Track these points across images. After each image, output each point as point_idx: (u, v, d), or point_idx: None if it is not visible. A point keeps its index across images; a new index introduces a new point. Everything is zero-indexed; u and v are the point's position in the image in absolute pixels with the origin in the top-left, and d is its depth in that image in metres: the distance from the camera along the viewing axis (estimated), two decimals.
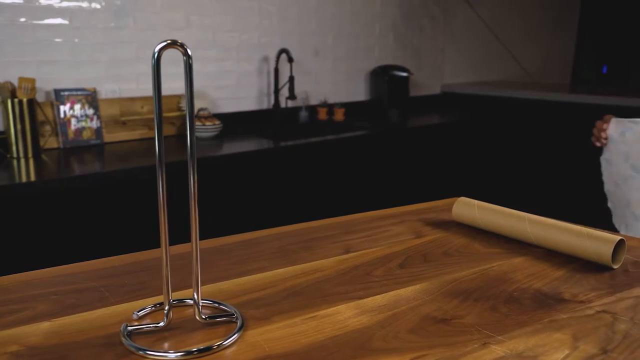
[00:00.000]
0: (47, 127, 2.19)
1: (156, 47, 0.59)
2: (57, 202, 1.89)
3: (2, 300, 0.72)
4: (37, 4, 2.18)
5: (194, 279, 0.65)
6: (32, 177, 2.01)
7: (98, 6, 2.31)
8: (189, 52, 0.60)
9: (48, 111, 2.19)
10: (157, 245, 1.17)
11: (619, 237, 0.84)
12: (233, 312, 0.68)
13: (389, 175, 2.78)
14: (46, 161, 2.11)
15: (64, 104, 2.21)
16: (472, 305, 0.73)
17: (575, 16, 4.61)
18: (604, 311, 0.72)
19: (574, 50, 4.73)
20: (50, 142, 2.20)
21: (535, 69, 4.33)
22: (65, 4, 2.24)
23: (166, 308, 0.64)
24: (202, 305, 0.71)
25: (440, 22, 3.60)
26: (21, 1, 2.15)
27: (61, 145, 2.21)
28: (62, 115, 2.21)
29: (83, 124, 2.26)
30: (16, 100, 2.05)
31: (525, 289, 0.78)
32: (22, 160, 2.08)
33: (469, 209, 1.03)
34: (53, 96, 2.22)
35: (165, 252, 0.63)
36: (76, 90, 2.25)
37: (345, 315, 0.70)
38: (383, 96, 3.19)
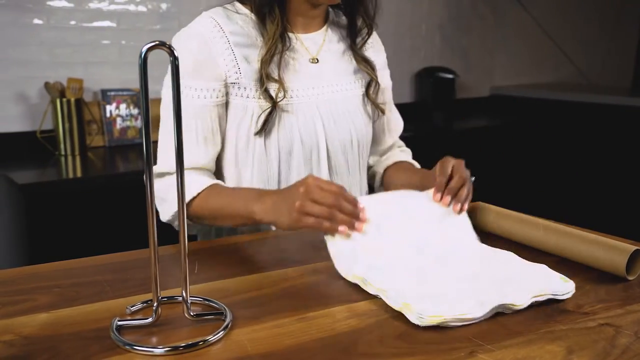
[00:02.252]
0: (94, 126, 2.27)
1: (143, 47, 0.60)
2: (102, 198, 1.95)
3: (7, 291, 0.75)
4: (86, 7, 2.26)
5: (183, 277, 0.66)
6: (79, 174, 2.09)
7: (144, 9, 2.38)
8: (176, 53, 0.61)
9: (95, 110, 2.27)
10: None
11: (634, 247, 0.80)
12: (222, 310, 0.69)
13: None
14: (92, 159, 2.19)
15: (110, 103, 2.29)
16: None
17: (637, 13, 4.41)
18: (607, 324, 0.69)
19: (635, 50, 4.53)
20: (97, 140, 2.27)
21: (593, 71, 4.17)
22: (113, 7, 2.32)
23: (154, 304, 0.65)
24: (194, 303, 0.72)
25: (490, 22, 3.52)
26: (72, 5, 2.24)
27: (107, 144, 2.29)
28: (108, 114, 2.29)
29: (128, 123, 2.33)
30: (65, 99, 2.14)
31: None
32: (70, 158, 2.16)
33: (484, 214, 1.00)
34: (100, 96, 2.30)
35: (153, 250, 0.64)
36: (122, 90, 2.32)
37: (335, 318, 0.69)
38: (428, 98, 3.14)
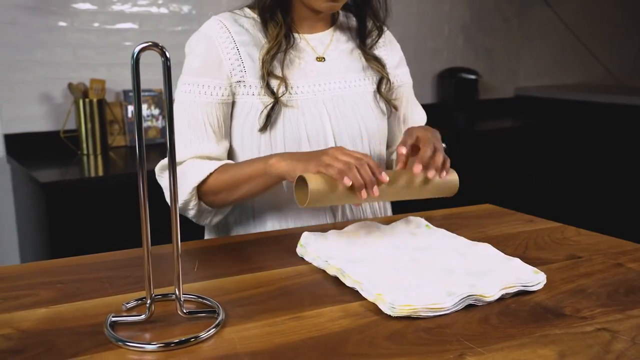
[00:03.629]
0: (116, 126, 2.31)
1: (135, 48, 0.61)
2: (123, 196, 1.98)
3: (11, 286, 0.77)
4: (109, 9, 2.31)
5: (175, 275, 0.67)
6: (100, 173, 2.13)
7: (166, 11, 2.41)
8: (167, 54, 0.62)
9: (117, 111, 2.31)
10: (200, 237, 1.21)
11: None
12: (215, 308, 0.70)
13: None
14: (114, 158, 2.23)
15: (132, 104, 2.33)
16: (462, 315, 0.71)
17: None
18: (604, 329, 0.67)
19: None
20: (118, 140, 2.31)
21: (623, 72, 4.08)
22: (135, 9, 2.35)
23: (148, 302, 0.66)
24: (189, 300, 0.73)
25: (514, 23, 3.47)
26: (95, 7, 2.28)
27: (128, 144, 2.33)
28: (129, 114, 2.33)
29: (149, 123, 2.37)
30: (87, 100, 2.18)
31: (525, 301, 0.74)
32: (92, 157, 2.20)
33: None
34: (122, 97, 2.34)
35: (146, 249, 0.65)
36: (143, 91, 2.36)
37: (327, 318, 0.70)
38: (450, 99, 3.12)
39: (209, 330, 0.65)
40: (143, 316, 0.67)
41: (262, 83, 1.06)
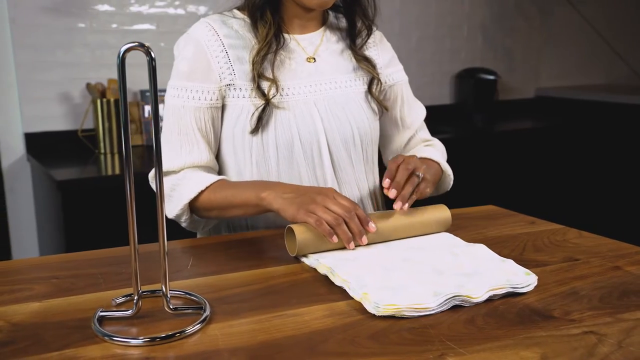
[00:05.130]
0: (133, 126, 2.35)
1: (121, 48, 0.62)
2: (139, 194, 2.01)
3: (8, 280, 0.79)
4: (127, 11, 2.34)
5: (162, 272, 0.68)
6: (117, 171, 2.16)
7: (183, 12, 2.44)
8: (153, 54, 0.63)
9: (134, 111, 2.35)
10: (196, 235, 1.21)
11: None
12: (201, 305, 0.71)
13: (468, 180, 2.70)
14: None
15: (148, 104, 2.36)
16: (448, 315, 0.70)
17: None
18: (591, 332, 0.66)
19: None
20: (135, 139, 2.35)
21: None
22: (153, 10, 2.39)
23: (135, 298, 0.67)
24: (178, 297, 0.74)
25: (536, 22, 3.43)
26: (113, 9, 2.32)
27: (144, 143, 2.36)
28: (146, 114, 2.36)
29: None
30: (105, 100, 2.22)
31: (514, 303, 0.74)
32: (109, 156, 2.24)
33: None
34: (139, 96, 2.37)
35: (133, 246, 0.66)
36: (160, 91, 2.39)
37: (312, 317, 0.70)
38: (468, 100, 3.09)
39: (194, 326, 0.66)
40: (130, 312, 0.68)
41: (252, 85, 1.05)
